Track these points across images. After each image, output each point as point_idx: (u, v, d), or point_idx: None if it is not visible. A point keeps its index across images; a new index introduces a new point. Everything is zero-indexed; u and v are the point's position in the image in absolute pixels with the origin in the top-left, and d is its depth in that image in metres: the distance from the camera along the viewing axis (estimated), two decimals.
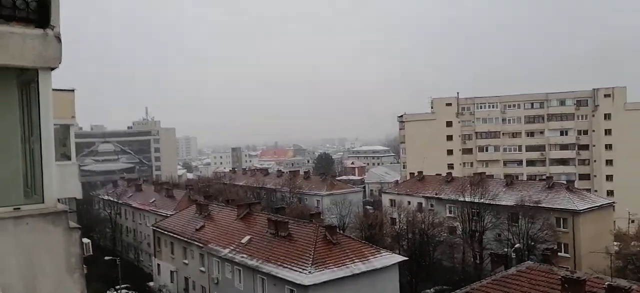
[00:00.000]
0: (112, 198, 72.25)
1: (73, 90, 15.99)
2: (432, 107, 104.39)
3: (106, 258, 53.22)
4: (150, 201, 66.35)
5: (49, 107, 5.96)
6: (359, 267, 32.39)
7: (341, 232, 44.78)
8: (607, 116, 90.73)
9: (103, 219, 73.09)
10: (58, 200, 6.79)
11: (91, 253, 25.32)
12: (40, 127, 5.93)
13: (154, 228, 52.12)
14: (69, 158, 16.30)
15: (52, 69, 5.94)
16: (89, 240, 26.75)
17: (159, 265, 50.36)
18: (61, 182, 14.69)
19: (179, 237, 46.12)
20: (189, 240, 44.22)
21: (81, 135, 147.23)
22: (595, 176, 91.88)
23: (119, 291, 50.23)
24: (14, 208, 5.73)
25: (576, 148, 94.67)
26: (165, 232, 48.73)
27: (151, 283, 52.66)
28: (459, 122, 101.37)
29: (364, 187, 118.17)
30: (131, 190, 75.61)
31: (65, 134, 16.28)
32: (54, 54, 5.78)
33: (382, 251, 35.87)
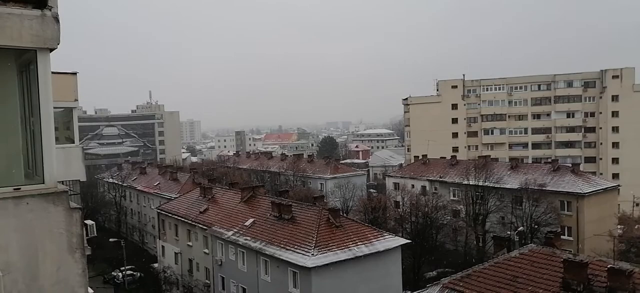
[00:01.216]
0: (116, 181, 72.77)
1: (75, 74, 15.98)
2: (437, 90, 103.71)
3: (111, 240, 53.85)
4: (155, 184, 66.74)
5: (49, 88, 5.96)
6: (362, 249, 32.54)
7: (344, 215, 44.93)
8: (615, 98, 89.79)
9: (108, 202, 73.73)
10: (62, 182, 6.82)
11: (95, 234, 25.60)
12: (39, 108, 5.93)
13: (158, 210, 52.53)
14: (72, 141, 16.37)
15: (51, 49, 5.92)
16: (93, 222, 27.01)
17: (163, 247, 50.88)
18: (65, 164, 14.80)
19: (183, 219, 46.49)
20: (193, 223, 44.56)
21: (85, 118, 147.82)
22: (601, 159, 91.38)
23: (124, 272, 50.84)
24: (14, 189, 5.76)
25: (583, 131, 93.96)
26: (170, 215, 49.11)
27: (155, 265, 53.27)
28: (464, 104, 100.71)
29: (368, 171, 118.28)
30: (135, 173, 76.05)
31: (69, 117, 16.33)
32: (52, 34, 5.76)
33: (385, 234, 36.01)
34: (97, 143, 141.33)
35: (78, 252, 6.01)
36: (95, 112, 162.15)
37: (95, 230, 26.00)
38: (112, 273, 53.97)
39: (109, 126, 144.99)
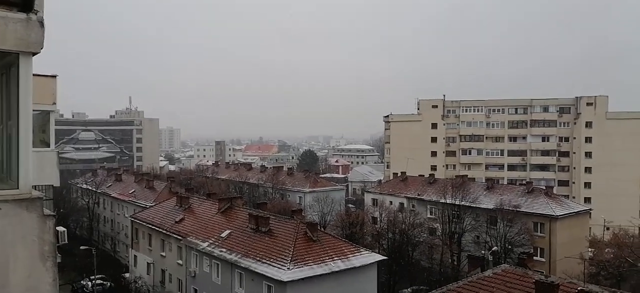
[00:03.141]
0: (90, 187, 71.24)
1: (55, 76, 15.72)
2: (418, 108, 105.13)
3: (82, 247, 52.49)
4: (130, 191, 65.56)
5: (29, 93, 5.89)
6: (339, 264, 32.52)
7: (322, 229, 44.85)
8: (589, 124, 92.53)
9: (81, 208, 72.04)
10: (35, 187, 6.70)
11: (66, 241, 24.99)
12: (18, 113, 5.85)
13: (132, 219, 51.56)
14: (48, 145, 16.04)
15: (34, 53, 5.86)
16: (64, 229, 26.37)
17: (135, 256, 49.86)
18: (39, 168, 14.48)
19: (157, 228, 45.71)
20: (168, 233, 43.85)
21: (62, 122, 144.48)
22: (573, 183, 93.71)
23: (93, 281, 49.55)
24: None
25: (557, 155, 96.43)
26: (144, 223, 48.24)
27: (127, 275, 52.11)
28: (444, 124, 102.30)
29: (347, 186, 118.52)
30: (111, 179, 74.64)
31: (45, 120, 16.01)
32: (37, 38, 5.71)
33: (362, 250, 36.07)
34: (73, 147, 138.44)
35: (50, 260, 5.90)
36: (73, 116, 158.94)
37: (66, 237, 25.40)
38: (81, 282, 52.54)
39: (86, 130, 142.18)
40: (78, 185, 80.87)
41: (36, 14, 5.66)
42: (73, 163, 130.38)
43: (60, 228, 31.57)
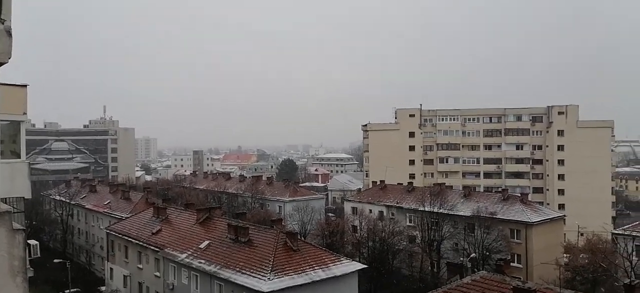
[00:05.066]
0: (64, 199, 69.33)
1: (25, 86, 15.33)
2: (396, 117, 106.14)
3: (56, 261, 51.01)
4: (105, 203, 64.11)
5: None
6: (319, 274, 32.36)
7: (302, 238, 44.66)
8: (560, 132, 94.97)
9: (54, 220, 70.03)
10: (5, 200, 6.44)
11: (39, 255, 24.24)
12: None
13: (108, 231, 50.39)
14: (18, 155, 15.59)
15: (1, 63, 5.67)
16: (36, 242, 25.58)
17: (111, 269, 48.67)
18: (9, 180, 14.04)
19: (134, 240, 44.75)
20: (145, 244, 42.97)
21: (33, 132, 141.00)
22: (547, 190, 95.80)
23: None
24: None
25: (531, 163, 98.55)
26: (120, 235, 47.18)
27: (103, 288, 50.78)
28: (421, 133, 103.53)
29: (327, 194, 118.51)
30: (85, 190, 72.87)
31: (16, 131, 15.57)
32: (3, 48, 5.53)
33: (342, 258, 36.01)
34: (45, 158, 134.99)
35: (20, 276, 5.67)
36: (45, 126, 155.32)
37: (38, 250, 24.65)
38: None
39: (59, 140, 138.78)
40: (51, 196, 78.66)
41: (3, 23, 5.48)
42: (45, 175, 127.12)
43: (32, 242, 30.60)
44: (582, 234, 66.30)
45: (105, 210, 61.62)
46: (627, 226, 45.71)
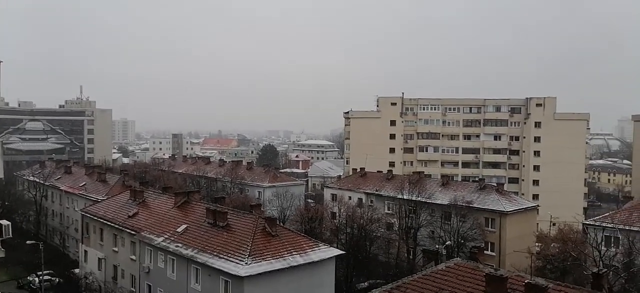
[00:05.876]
0: (38, 180, 67.89)
1: None
2: (377, 106, 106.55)
3: (28, 242, 50.12)
4: (80, 185, 62.96)
5: None
6: (297, 259, 32.51)
7: (281, 224, 44.66)
8: (538, 124, 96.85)
9: (27, 201, 68.60)
10: None
11: (11, 236, 23.78)
12: None
13: (83, 212, 49.58)
14: None
15: None
16: (9, 223, 25.06)
17: (86, 251, 48.01)
18: None
19: (109, 223, 44.15)
20: (120, 227, 42.43)
21: (6, 111, 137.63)
22: (523, 180, 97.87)
23: (41, 277, 47.32)
24: None
25: (508, 153, 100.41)
26: (95, 218, 46.47)
27: (77, 270, 50.09)
28: (402, 121, 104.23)
29: (307, 181, 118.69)
30: (60, 172, 71.39)
31: None
32: None
33: (320, 244, 36.20)
34: (19, 137, 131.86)
35: None
36: (19, 105, 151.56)
37: (10, 231, 24.16)
38: (28, 278, 50.08)
39: (33, 120, 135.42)
40: (24, 177, 76.95)
41: None
42: (19, 155, 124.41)
43: (5, 222, 29.96)
44: (554, 224, 68.20)
45: (81, 192, 60.53)
46: (598, 217, 47.02)
